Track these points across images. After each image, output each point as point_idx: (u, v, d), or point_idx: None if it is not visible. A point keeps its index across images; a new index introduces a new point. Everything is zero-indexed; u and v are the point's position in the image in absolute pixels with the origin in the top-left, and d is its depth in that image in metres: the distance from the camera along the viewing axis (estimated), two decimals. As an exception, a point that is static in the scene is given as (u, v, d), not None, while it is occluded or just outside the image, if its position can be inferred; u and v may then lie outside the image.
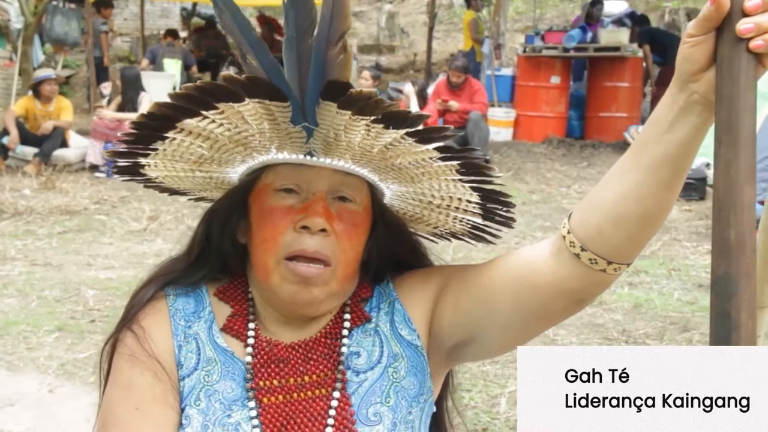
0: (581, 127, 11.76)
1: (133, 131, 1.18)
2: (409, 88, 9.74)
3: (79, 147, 9.30)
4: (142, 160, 1.24)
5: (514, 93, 11.90)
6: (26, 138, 9.02)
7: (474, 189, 1.22)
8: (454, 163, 1.16)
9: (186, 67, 12.13)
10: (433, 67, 13.63)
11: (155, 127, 1.16)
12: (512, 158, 10.14)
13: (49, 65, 12.42)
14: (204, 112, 1.10)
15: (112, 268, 5.63)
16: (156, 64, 11.80)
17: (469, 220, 1.31)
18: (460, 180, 1.20)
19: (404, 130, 1.08)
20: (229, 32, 1.12)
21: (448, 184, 1.22)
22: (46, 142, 8.98)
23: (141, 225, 6.78)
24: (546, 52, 11.56)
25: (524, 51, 11.98)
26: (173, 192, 1.38)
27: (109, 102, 9.78)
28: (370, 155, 1.17)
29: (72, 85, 14.24)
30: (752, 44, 0.92)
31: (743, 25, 0.92)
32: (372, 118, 1.07)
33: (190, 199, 1.41)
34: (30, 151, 8.96)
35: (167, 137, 1.17)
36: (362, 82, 9.46)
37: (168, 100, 1.11)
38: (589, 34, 11.48)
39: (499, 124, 11.28)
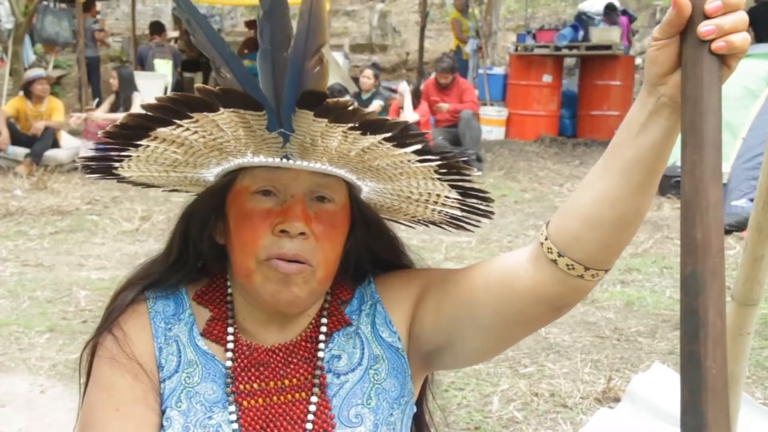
0: (573, 126, 11.78)
1: (106, 140, 1.16)
2: (404, 87, 9.66)
3: (70, 147, 9.27)
4: (116, 164, 1.23)
5: (506, 92, 11.91)
6: (17, 138, 9.00)
7: (453, 186, 1.22)
8: (433, 164, 1.16)
9: (175, 66, 12.10)
10: (425, 66, 13.64)
11: (128, 136, 1.14)
12: (504, 157, 10.15)
13: (40, 65, 12.35)
14: (178, 122, 1.09)
15: (104, 268, 5.61)
16: (146, 66, 11.74)
17: (447, 212, 1.31)
18: (439, 179, 1.20)
19: (381, 136, 1.08)
20: (202, 49, 1.11)
21: (426, 182, 1.22)
22: (37, 143, 8.95)
23: (133, 225, 6.76)
24: (538, 50, 11.58)
25: (516, 50, 12.00)
26: (146, 186, 1.36)
27: (99, 103, 9.75)
28: (348, 158, 1.16)
29: (63, 85, 14.19)
30: (714, 46, 0.93)
31: (704, 28, 0.94)
32: (349, 125, 1.06)
33: (164, 191, 1.40)
34: (21, 151, 8.94)
35: (141, 145, 1.16)
36: (365, 81, 9.41)
37: (141, 111, 1.09)
38: (581, 33, 11.51)
39: (492, 122, 11.30)
